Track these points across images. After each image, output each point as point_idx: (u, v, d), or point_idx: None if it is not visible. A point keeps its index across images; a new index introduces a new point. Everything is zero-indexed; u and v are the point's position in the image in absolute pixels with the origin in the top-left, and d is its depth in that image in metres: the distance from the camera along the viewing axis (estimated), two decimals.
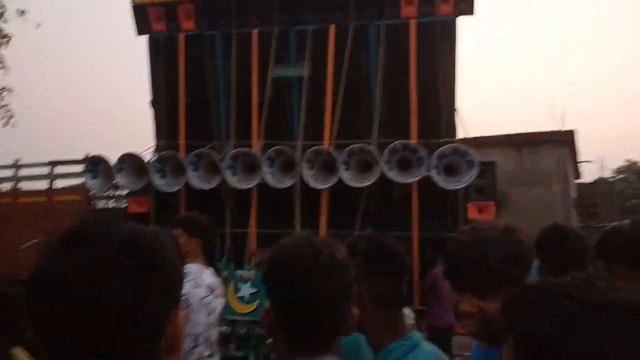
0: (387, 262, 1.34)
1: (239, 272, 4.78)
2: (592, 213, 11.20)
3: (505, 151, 9.21)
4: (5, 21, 9.85)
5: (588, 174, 15.82)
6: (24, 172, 7.13)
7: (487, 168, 5.33)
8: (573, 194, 9.96)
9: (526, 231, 1.28)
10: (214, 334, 2.82)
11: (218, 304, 2.84)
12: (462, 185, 4.92)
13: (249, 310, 4.60)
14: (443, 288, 4.71)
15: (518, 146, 9.27)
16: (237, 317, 4.58)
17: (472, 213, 5.26)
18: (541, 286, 0.71)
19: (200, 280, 2.73)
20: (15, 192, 7.14)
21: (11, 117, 10.47)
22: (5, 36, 9.82)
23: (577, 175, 12.44)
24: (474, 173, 4.85)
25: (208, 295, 2.73)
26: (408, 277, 1.47)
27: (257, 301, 4.60)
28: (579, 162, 11.71)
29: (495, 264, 1.17)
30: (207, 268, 2.86)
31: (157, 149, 5.90)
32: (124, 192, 6.25)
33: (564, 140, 9.37)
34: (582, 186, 13.46)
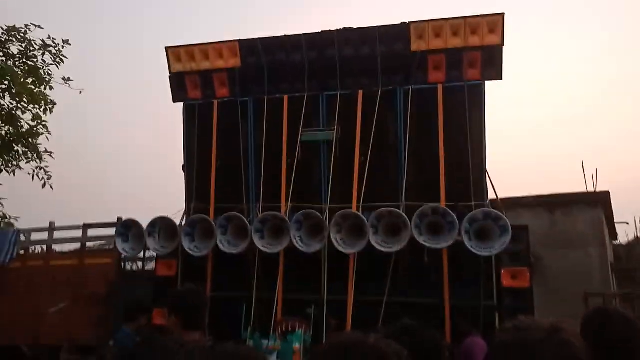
0: (432, 358, 1.26)
1: (265, 342, 4.65)
2: (630, 278, 10.67)
3: (537, 212, 8.98)
4: (52, 88, 10.47)
5: (624, 235, 15.19)
6: (57, 234, 7.28)
7: (521, 233, 5.18)
8: (610, 257, 9.56)
9: (574, 331, 1.15)
10: None
11: None
12: (495, 252, 4.78)
13: None
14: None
15: (550, 207, 9.05)
16: None
17: (506, 280, 5.08)
18: None
19: None
20: (47, 255, 7.26)
21: (49, 178, 10.89)
22: (50, 102, 10.39)
23: (614, 237, 11.99)
24: (507, 239, 4.72)
25: None
26: None
27: None
28: (616, 224, 11.32)
29: None
30: None
31: (188, 211, 5.98)
32: (154, 254, 6.28)
33: (599, 201, 9.11)
34: (619, 248, 12.92)
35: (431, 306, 5.05)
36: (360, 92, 5.69)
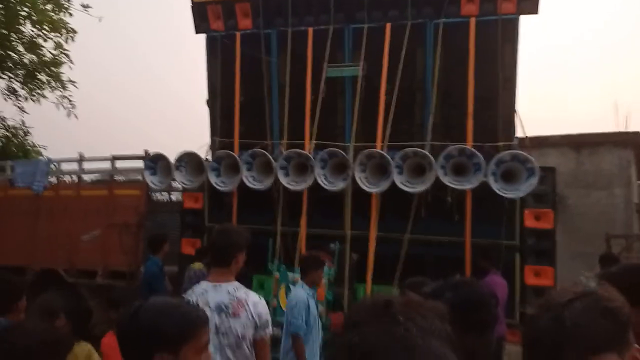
0: (478, 316, 1.23)
1: (290, 274, 4.83)
2: None
3: (564, 152, 8.80)
4: (71, 15, 10.31)
5: None
6: (86, 165, 7.46)
7: (547, 174, 5.13)
8: (635, 198, 9.45)
9: (614, 294, 1.08)
10: (236, 355, 2.65)
11: (234, 323, 2.63)
12: (521, 195, 4.76)
13: None
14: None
15: (577, 147, 8.85)
16: None
17: (529, 220, 5.10)
18: None
19: (204, 299, 2.63)
20: (78, 185, 7.48)
21: (73, 107, 11.02)
22: (71, 30, 10.27)
23: None
24: (534, 181, 4.67)
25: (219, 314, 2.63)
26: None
27: None
28: None
29: (570, 324, 0.99)
30: (218, 284, 2.71)
31: (212, 146, 6.03)
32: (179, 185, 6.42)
33: (628, 142, 8.86)
34: None
35: (453, 244, 5.14)
36: (388, 25, 5.46)
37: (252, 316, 2.63)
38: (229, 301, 2.64)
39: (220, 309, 2.63)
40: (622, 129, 9.72)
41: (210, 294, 2.67)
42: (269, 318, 2.76)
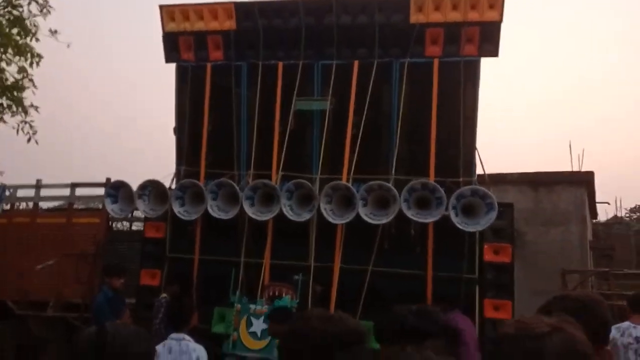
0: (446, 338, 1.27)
1: (252, 306, 4.75)
2: (607, 256, 10.97)
3: (522, 189, 9.14)
4: (37, 40, 10.15)
5: (603, 214, 15.55)
6: (44, 192, 7.22)
7: (505, 209, 5.29)
8: (589, 235, 9.82)
9: (579, 327, 1.16)
10: None
11: None
12: (480, 228, 4.89)
13: (261, 347, 4.55)
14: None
15: (535, 185, 9.20)
16: (249, 354, 4.53)
17: (488, 254, 5.22)
18: None
19: None
20: (34, 212, 7.21)
21: (34, 133, 10.72)
22: (36, 55, 10.09)
23: (594, 216, 12.27)
24: (493, 216, 4.82)
25: None
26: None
27: (270, 337, 4.55)
28: (597, 203, 11.56)
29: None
30: None
31: (178, 175, 5.97)
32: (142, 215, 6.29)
33: (582, 181, 9.28)
34: (597, 226, 13.22)
35: (414, 277, 5.20)
36: (356, 63, 5.64)
37: None
38: None
39: None
40: (576, 167, 10.18)
41: None
42: None
